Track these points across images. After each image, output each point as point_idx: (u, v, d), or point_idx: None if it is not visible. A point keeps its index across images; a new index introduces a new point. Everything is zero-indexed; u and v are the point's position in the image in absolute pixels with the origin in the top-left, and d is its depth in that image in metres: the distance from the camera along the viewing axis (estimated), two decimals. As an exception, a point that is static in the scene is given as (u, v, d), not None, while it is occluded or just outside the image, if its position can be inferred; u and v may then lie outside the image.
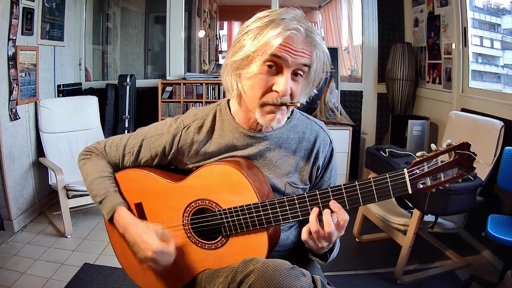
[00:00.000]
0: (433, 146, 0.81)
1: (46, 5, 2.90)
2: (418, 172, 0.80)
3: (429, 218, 2.03)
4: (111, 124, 3.40)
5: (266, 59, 0.88)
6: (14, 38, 2.53)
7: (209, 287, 0.95)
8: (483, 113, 2.43)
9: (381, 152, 2.25)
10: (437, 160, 0.79)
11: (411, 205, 2.05)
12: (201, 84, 3.44)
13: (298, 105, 0.94)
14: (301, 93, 0.96)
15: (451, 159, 0.79)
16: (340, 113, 3.47)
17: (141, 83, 3.63)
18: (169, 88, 3.44)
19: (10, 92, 2.53)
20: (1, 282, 2.01)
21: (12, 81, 2.53)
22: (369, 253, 2.40)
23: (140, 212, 1.06)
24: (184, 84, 3.44)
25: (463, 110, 2.68)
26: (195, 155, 1.05)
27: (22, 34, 2.62)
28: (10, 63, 2.51)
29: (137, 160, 1.10)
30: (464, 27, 2.71)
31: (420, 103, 3.45)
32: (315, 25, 6.13)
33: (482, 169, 2.11)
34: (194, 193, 0.99)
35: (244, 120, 1.01)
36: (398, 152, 2.26)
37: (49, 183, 2.78)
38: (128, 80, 3.39)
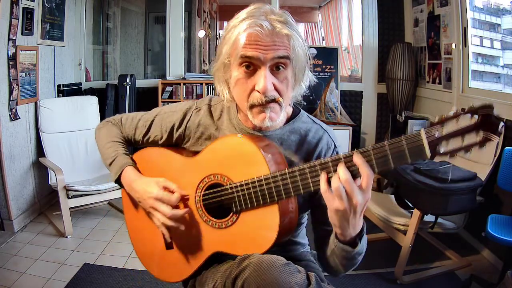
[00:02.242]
0: (453, 109, 0.77)
1: (46, 5, 2.90)
2: (436, 134, 0.72)
3: (429, 218, 2.03)
4: (111, 124, 3.40)
5: (239, 62, 0.88)
6: (14, 38, 2.53)
7: (208, 282, 0.96)
8: (483, 113, 2.43)
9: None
10: (458, 122, 0.72)
11: (411, 205, 2.05)
12: (201, 84, 3.44)
13: (283, 100, 0.90)
14: (290, 86, 0.92)
15: (473, 122, 0.71)
16: (340, 113, 3.47)
17: (141, 83, 3.63)
18: (169, 88, 3.44)
19: (10, 92, 2.53)
20: (1, 282, 2.01)
21: (12, 81, 2.53)
22: (369, 253, 2.39)
23: None
24: (184, 84, 3.44)
25: (463, 110, 2.68)
26: (198, 138, 1.07)
27: (22, 34, 2.62)
28: (10, 63, 2.51)
29: (146, 135, 1.13)
30: (464, 27, 2.71)
31: (420, 103, 3.45)
32: (315, 25, 6.14)
33: (482, 169, 2.11)
34: (207, 167, 0.97)
35: (245, 118, 1.01)
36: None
37: (49, 183, 2.78)
38: (128, 80, 3.39)
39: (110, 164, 1.09)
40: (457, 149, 0.72)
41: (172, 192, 0.98)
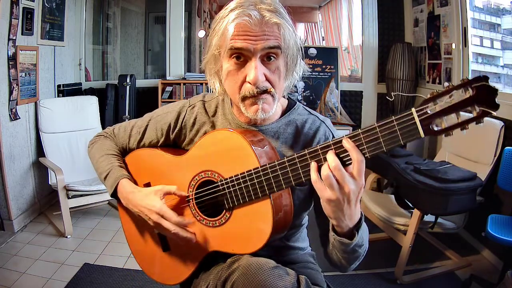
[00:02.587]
0: (445, 83, 0.73)
1: (46, 5, 2.90)
2: (429, 111, 0.68)
3: (429, 218, 2.03)
4: (111, 124, 3.38)
5: (229, 53, 0.86)
6: (14, 38, 2.53)
7: (201, 284, 0.95)
8: (483, 113, 2.42)
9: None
10: (452, 96, 0.67)
11: (411, 205, 2.05)
12: (201, 84, 3.44)
13: (275, 91, 0.88)
14: (282, 76, 0.90)
15: (468, 96, 0.66)
16: (340, 113, 3.47)
17: (141, 83, 3.63)
18: (169, 88, 3.44)
19: (10, 92, 2.53)
20: (1, 282, 2.01)
21: (12, 81, 2.53)
22: (369, 253, 2.39)
23: None
24: (184, 84, 3.44)
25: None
26: (194, 136, 1.05)
27: (22, 34, 2.62)
28: (10, 63, 2.51)
29: (142, 140, 1.10)
30: (464, 27, 2.71)
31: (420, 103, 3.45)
32: (315, 25, 6.13)
33: (482, 169, 2.11)
34: (198, 164, 0.95)
35: (239, 113, 0.98)
36: (398, 152, 2.26)
37: (49, 183, 2.78)
38: (128, 80, 3.39)
39: (105, 178, 1.05)
40: (453, 127, 0.68)
41: (174, 194, 0.97)
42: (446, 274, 2.20)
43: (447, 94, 0.67)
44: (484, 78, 0.65)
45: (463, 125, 0.67)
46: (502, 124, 2.15)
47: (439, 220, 2.08)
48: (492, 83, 0.68)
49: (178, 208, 0.98)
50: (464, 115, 0.67)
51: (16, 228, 2.62)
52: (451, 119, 0.68)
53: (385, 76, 3.47)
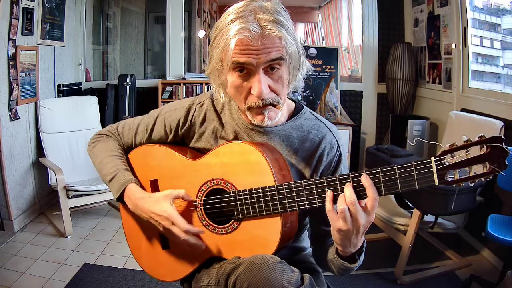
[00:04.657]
0: (464, 137, 0.75)
1: (46, 5, 2.90)
2: (446, 163, 0.73)
3: (429, 218, 2.03)
4: (111, 124, 3.40)
5: (232, 67, 0.85)
6: (14, 38, 2.53)
7: (204, 279, 0.95)
8: (483, 113, 2.43)
9: (381, 152, 2.25)
10: (468, 151, 0.72)
11: (411, 205, 2.05)
12: (201, 84, 3.44)
13: (281, 108, 0.90)
14: (285, 84, 0.90)
15: (482, 152, 0.72)
16: (340, 113, 3.47)
17: (141, 83, 3.63)
18: (169, 88, 3.44)
19: (10, 92, 2.53)
20: (1, 282, 2.01)
21: (12, 81, 2.53)
22: (369, 253, 2.38)
23: (155, 189, 1.05)
24: (184, 84, 3.44)
25: (463, 110, 2.68)
26: (202, 134, 1.05)
27: (22, 34, 2.62)
28: (10, 63, 2.51)
29: (150, 137, 1.09)
30: (464, 27, 2.71)
31: (420, 103, 3.45)
32: (315, 25, 6.13)
33: (482, 169, 2.11)
34: (210, 171, 0.96)
35: (245, 114, 0.98)
36: (398, 152, 2.26)
37: (49, 183, 2.78)
38: (128, 80, 3.39)
39: (110, 180, 1.03)
40: (465, 179, 0.73)
41: (182, 198, 0.96)
42: (446, 274, 2.20)
43: (464, 149, 0.72)
44: (499, 139, 0.71)
45: (473, 179, 0.73)
46: (502, 124, 2.15)
47: (439, 220, 2.08)
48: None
49: (185, 212, 0.99)
50: (475, 168, 0.73)
51: (16, 228, 2.62)
52: (464, 171, 0.74)
53: (385, 76, 3.47)
